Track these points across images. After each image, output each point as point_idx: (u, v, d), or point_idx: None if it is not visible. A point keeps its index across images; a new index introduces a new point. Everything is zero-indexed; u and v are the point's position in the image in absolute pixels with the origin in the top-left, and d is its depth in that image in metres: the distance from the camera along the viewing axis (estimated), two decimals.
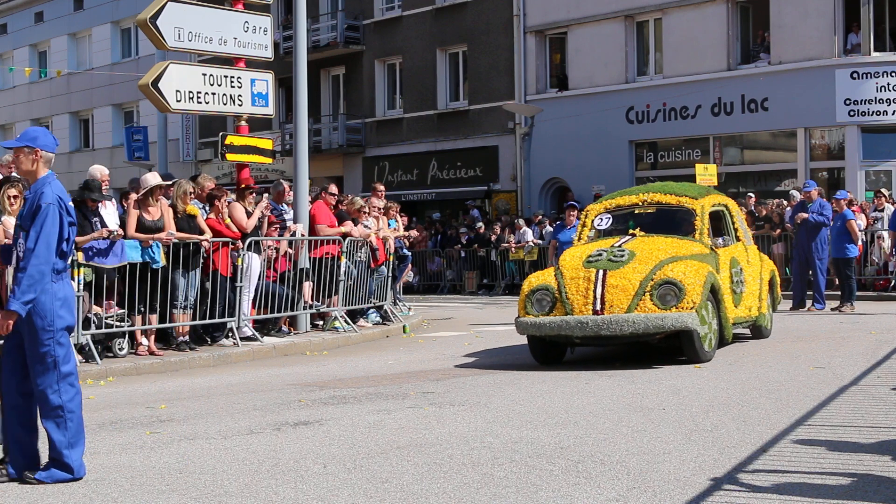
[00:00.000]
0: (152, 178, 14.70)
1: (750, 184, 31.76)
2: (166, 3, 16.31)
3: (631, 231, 14.05)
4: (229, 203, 15.93)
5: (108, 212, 14.65)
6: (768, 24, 31.33)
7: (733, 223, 14.85)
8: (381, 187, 21.53)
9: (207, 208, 15.72)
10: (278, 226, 17.55)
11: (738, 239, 14.81)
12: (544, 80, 36.34)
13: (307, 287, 17.14)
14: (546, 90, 36.13)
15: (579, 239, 14.56)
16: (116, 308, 14.24)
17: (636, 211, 14.53)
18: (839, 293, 20.80)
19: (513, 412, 9.68)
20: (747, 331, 15.46)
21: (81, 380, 12.68)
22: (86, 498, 6.73)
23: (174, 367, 14.08)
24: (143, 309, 14.39)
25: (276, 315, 16.64)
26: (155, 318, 14.57)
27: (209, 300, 15.23)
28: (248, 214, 16.04)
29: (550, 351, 13.37)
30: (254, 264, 15.91)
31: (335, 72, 42.69)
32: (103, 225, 13.96)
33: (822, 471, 6.91)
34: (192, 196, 15.33)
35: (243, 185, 17.00)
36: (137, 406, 10.67)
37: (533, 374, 12.30)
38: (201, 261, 15.04)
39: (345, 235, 17.96)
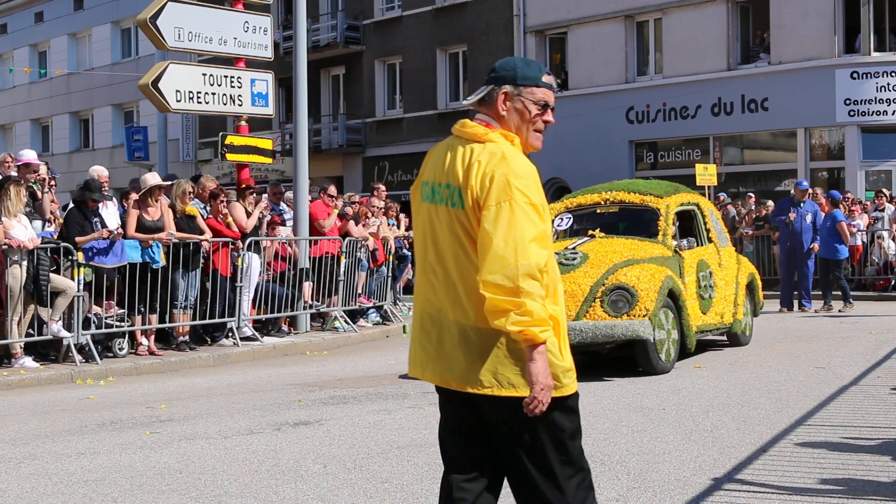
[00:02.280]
0: (151, 178, 14.71)
1: (750, 184, 31.76)
2: (166, 3, 16.31)
3: (590, 232, 13.29)
4: (229, 203, 15.92)
5: (109, 212, 14.67)
6: (768, 24, 31.33)
7: (705, 224, 13.97)
8: (382, 187, 21.53)
9: (208, 208, 15.72)
10: (280, 226, 17.55)
11: (709, 240, 13.92)
12: None
13: (307, 287, 17.14)
14: None
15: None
16: (116, 308, 14.24)
17: (598, 210, 13.77)
18: (822, 294, 20.72)
19: None
20: (724, 337, 14.69)
21: (81, 379, 12.75)
22: (86, 498, 6.73)
23: (174, 367, 14.07)
24: (143, 309, 14.39)
25: (276, 315, 16.64)
26: (155, 318, 14.57)
27: (209, 300, 15.22)
28: (248, 214, 16.03)
29: None
30: (254, 264, 15.91)
31: (335, 72, 42.68)
32: (103, 225, 13.97)
33: (822, 471, 6.91)
34: (192, 196, 15.33)
35: (243, 186, 17.00)
36: (137, 406, 10.67)
37: None
38: (201, 261, 15.04)
39: (345, 235, 17.96)
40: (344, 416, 9.69)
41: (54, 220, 14.87)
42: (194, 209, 15.19)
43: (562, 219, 13.82)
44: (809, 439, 8.00)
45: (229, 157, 17.81)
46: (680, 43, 32.74)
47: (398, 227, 21.44)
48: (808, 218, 20.35)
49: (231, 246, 15.50)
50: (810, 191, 21.18)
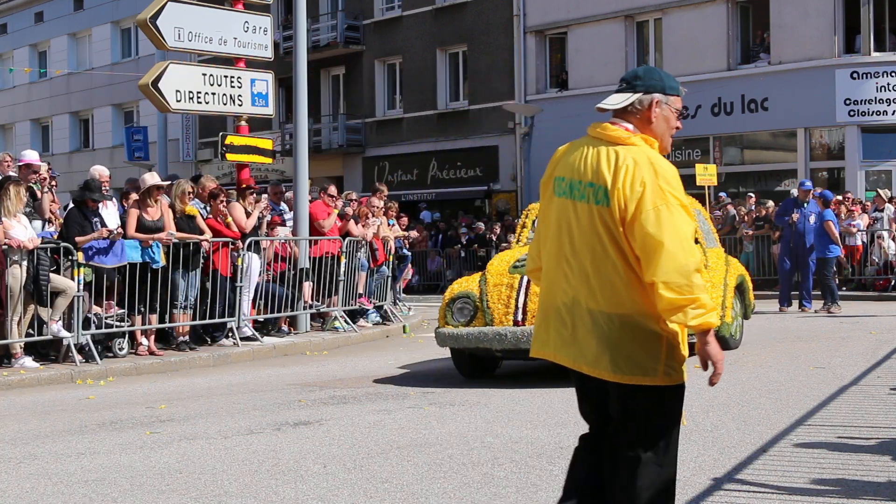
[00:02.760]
0: (150, 178, 14.72)
1: (750, 184, 31.78)
2: (166, 3, 16.32)
3: None
4: (229, 203, 15.92)
5: (109, 212, 14.68)
6: (768, 24, 31.34)
7: None
8: (384, 188, 21.52)
9: (208, 208, 15.72)
10: (279, 226, 17.55)
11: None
12: (544, 80, 36.36)
13: (307, 287, 17.14)
14: (546, 90, 36.15)
15: (517, 241, 13.58)
16: (116, 308, 14.25)
17: None
18: (821, 294, 20.71)
19: (513, 412, 9.68)
20: None
21: (81, 379, 12.76)
22: (86, 498, 6.73)
23: (174, 367, 14.08)
24: (143, 309, 14.39)
25: (276, 315, 16.65)
26: (155, 318, 14.58)
27: (209, 300, 15.23)
28: (248, 214, 16.03)
29: (477, 364, 12.23)
30: (254, 264, 15.91)
31: (335, 72, 42.69)
32: (103, 225, 13.98)
33: (822, 471, 6.91)
34: (192, 196, 15.33)
35: (243, 186, 17.00)
36: (137, 406, 10.67)
37: (533, 374, 12.29)
38: (201, 261, 15.04)
39: (345, 235, 17.96)
40: (344, 416, 9.69)
41: (55, 220, 14.87)
42: (194, 209, 15.19)
43: (535, 221, 13.66)
44: (809, 439, 8.00)
45: (229, 157, 17.82)
46: (680, 43, 32.76)
47: (396, 228, 21.44)
48: (812, 219, 20.33)
49: (231, 246, 15.51)
50: (813, 191, 21.06)
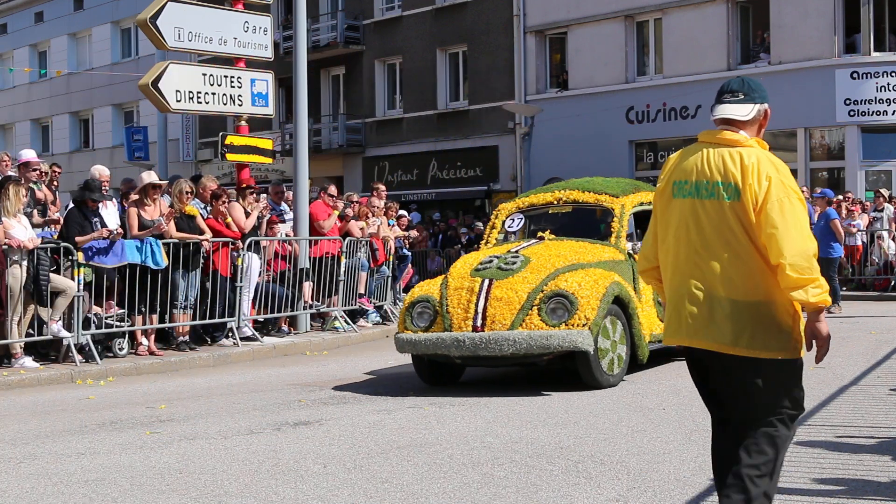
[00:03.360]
0: (146, 177, 14.75)
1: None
2: (166, 3, 16.30)
3: (539, 234, 12.47)
4: (229, 203, 15.92)
5: (109, 212, 14.68)
6: (768, 24, 31.34)
7: None
8: (383, 187, 21.52)
9: (208, 208, 15.72)
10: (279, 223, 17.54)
11: None
12: (544, 80, 36.35)
13: (307, 287, 17.14)
14: (546, 90, 36.14)
15: (486, 242, 13.03)
16: (116, 308, 14.24)
17: (550, 211, 12.96)
18: None
19: (513, 412, 9.68)
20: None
21: (81, 379, 12.76)
22: (85, 498, 6.73)
23: (174, 367, 14.07)
24: (143, 309, 14.39)
25: (276, 315, 16.64)
26: (155, 318, 14.57)
27: (209, 300, 15.23)
28: (247, 214, 16.03)
29: (438, 370, 11.72)
30: (254, 264, 15.91)
31: (335, 72, 42.69)
32: (103, 225, 13.98)
33: (822, 471, 6.91)
34: (191, 196, 15.30)
35: (243, 185, 16.99)
36: (137, 406, 10.67)
37: (533, 374, 12.29)
38: (201, 261, 15.04)
39: (345, 235, 17.96)
40: (344, 416, 9.69)
41: (54, 220, 14.87)
42: (194, 209, 15.19)
43: (513, 220, 13.08)
44: (809, 439, 8.00)
45: (229, 157, 17.81)
46: (680, 43, 32.75)
47: (398, 228, 21.43)
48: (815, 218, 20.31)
49: (231, 246, 15.50)
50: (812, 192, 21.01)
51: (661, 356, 12.58)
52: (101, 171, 15.54)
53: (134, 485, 7.07)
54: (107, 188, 15.24)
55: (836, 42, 29.82)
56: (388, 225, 20.35)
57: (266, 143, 18.60)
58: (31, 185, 14.47)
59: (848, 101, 29.61)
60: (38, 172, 14.70)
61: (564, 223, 12.81)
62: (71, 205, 14.65)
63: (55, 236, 14.11)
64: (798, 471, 6.97)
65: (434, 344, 10.99)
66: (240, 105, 17.58)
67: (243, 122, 17.98)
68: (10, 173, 14.36)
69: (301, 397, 11.00)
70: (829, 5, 29.82)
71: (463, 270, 11.50)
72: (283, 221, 17.84)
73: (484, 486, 6.79)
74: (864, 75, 29.48)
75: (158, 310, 14.53)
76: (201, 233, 14.99)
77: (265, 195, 18.34)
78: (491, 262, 11.38)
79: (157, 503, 6.61)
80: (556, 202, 12.90)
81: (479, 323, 10.86)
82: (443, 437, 8.51)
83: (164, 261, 14.37)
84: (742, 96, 5.09)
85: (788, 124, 30.82)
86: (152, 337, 14.68)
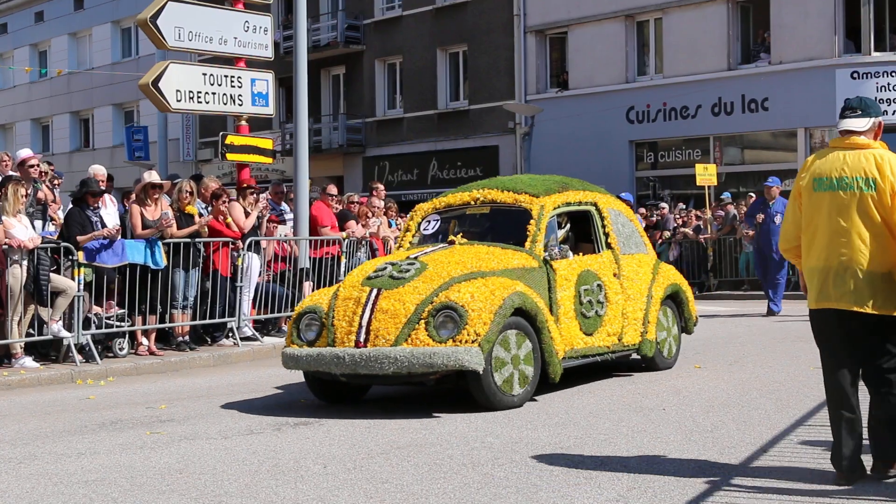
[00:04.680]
0: (147, 177, 14.77)
1: (750, 184, 31.72)
2: (166, 3, 16.30)
3: (451, 237, 11.43)
4: (228, 202, 15.91)
5: (108, 211, 14.67)
6: (769, 23, 31.34)
7: (603, 227, 11.85)
8: (382, 187, 21.51)
9: (209, 208, 15.72)
10: (278, 225, 17.54)
11: (608, 247, 11.79)
12: (544, 80, 36.36)
13: (307, 287, 17.13)
14: (546, 90, 36.15)
15: (399, 247, 12.01)
16: (117, 308, 14.25)
17: (468, 212, 11.80)
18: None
19: (513, 412, 9.68)
20: (639, 358, 12.40)
21: (82, 379, 12.76)
22: (86, 498, 6.73)
23: (174, 367, 14.07)
24: (143, 309, 14.39)
25: (276, 315, 16.64)
26: (155, 318, 14.58)
27: (209, 300, 15.23)
28: (247, 214, 16.02)
29: (330, 388, 10.64)
30: (254, 264, 15.91)
31: (335, 71, 42.70)
32: (103, 225, 13.98)
33: (823, 471, 6.91)
34: (192, 197, 15.29)
35: (244, 185, 16.98)
36: (137, 406, 10.67)
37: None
38: (201, 261, 15.04)
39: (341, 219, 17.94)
40: (344, 417, 9.69)
41: (56, 221, 14.87)
42: (194, 208, 15.19)
43: (429, 221, 11.96)
44: (810, 439, 8.01)
45: (229, 156, 17.80)
46: (680, 43, 32.76)
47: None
48: (778, 219, 19.43)
49: (231, 246, 15.50)
50: (776, 189, 20.29)
51: (593, 371, 11.90)
52: (98, 170, 15.53)
53: (134, 485, 7.07)
54: (104, 188, 15.22)
55: (836, 42, 29.83)
56: (389, 225, 20.35)
57: (266, 143, 18.59)
58: (34, 184, 14.45)
59: None
60: (35, 169, 14.64)
61: (483, 225, 11.81)
62: (70, 204, 14.65)
63: (56, 236, 14.10)
64: (798, 471, 6.97)
65: (315, 360, 10.02)
66: (240, 105, 17.58)
67: (243, 122, 17.97)
68: (10, 173, 14.36)
69: (301, 397, 11.00)
70: (829, 5, 29.82)
71: (356, 278, 10.49)
72: (284, 222, 17.83)
73: (484, 486, 6.79)
74: (865, 75, 29.47)
75: (158, 310, 14.54)
76: (198, 232, 14.95)
77: (265, 195, 18.32)
78: (385, 269, 10.35)
79: (157, 503, 6.60)
80: (473, 202, 11.72)
81: (362, 338, 9.84)
82: (443, 437, 8.51)
83: (163, 261, 14.37)
84: (860, 112, 6.65)
85: (788, 124, 30.86)
86: (152, 337, 14.68)
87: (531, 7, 36.04)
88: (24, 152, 14.91)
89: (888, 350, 6.56)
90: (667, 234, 27.55)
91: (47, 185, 15.17)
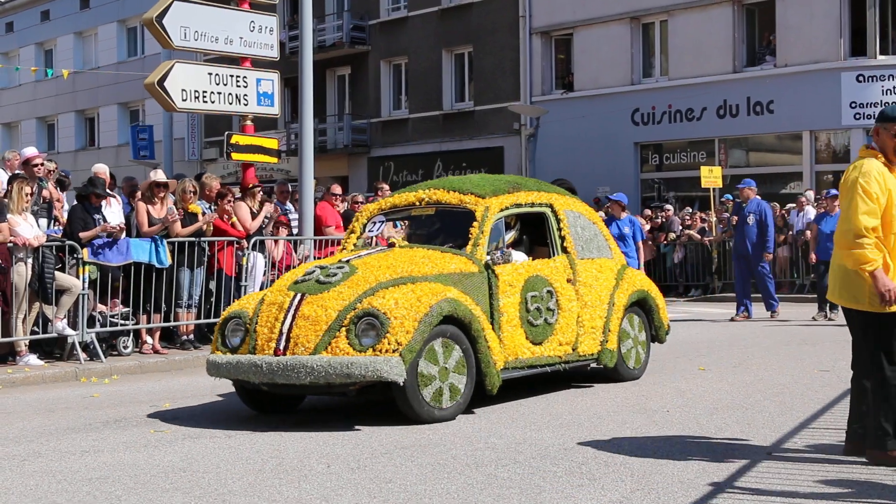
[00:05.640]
0: (153, 175, 14.82)
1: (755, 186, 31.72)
2: (172, 3, 16.30)
3: (391, 239, 11.24)
4: (234, 201, 15.93)
5: (112, 210, 14.68)
6: (774, 26, 31.33)
7: (559, 230, 11.17)
8: (386, 186, 21.51)
9: (213, 208, 15.73)
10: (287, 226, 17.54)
11: (564, 251, 11.10)
12: (550, 82, 36.38)
13: None
14: (551, 91, 36.17)
15: (342, 249, 11.40)
16: (121, 306, 14.26)
17: (413, 213, 11.31)
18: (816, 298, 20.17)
19: (517, 413, 9.67)
20: (599, 368, 11.71)
21: (86, 377, 12.77)
22: (89, 496, 6.74)
23: (178, 366, 14.08)
24: (147, 307, 14.41)
25: None
26: (159, 316, 14.59)
27: (213, 299, 15.24)
28: (254, 214, 16.02)
29: (262, 396, 10.07)
30: (258, 264, 15.91)
31: (341, 72, 42.74)
32: (106, 222, 14.00)
33: (827, 474, 6.90)
34: (195, 196, 15.30)
35: (251, 185, 16.98)
36: (141, 404, 10.68)
37: (538, 376, 12.27)
38: (206, 260, 15.06)
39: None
40: (348, 416, 9.69)
41: (60, 219, 14.89)
42: (197, 207, 15.21)
43: (374, 223, 11.45)
44: (814, 442, 8.00)
45: (235, 156, 17.80)
46: (686, 45, 32.76)
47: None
48: (751, 219, 19.51)
49: (236, 245, 15.51)
50: (749, 191, 19.73)
51: (597, 374, 11.68)
52: (101, 169, 15.55)
53: (138, 483, 7.07)
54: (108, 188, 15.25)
55: (841, 44, 29.82)
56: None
57: (271, 143, 18.60)
58: (38, 182, 14.47)
59: (854, 104, 29.59)
60: (40, 168, 14.65)
61: (431, 227, 11.39)
62: (74, 201, 14.68)
63: (60, 234, 14.12)
64: (802, 473, 6.96)
65: (235, 368, 9.50)
66: (245, 104, 17.58)
67: (249, 122, 17.98)
68: (18, 172, 14.38)
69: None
70: (835, 7, 29.82)
71: (284, 282, 10.01)
72: (289, 222, 17.82)
73: (487, 486, 6.79)
74: (870, 78, 29.48)
75: (163, 308, 14.55)
76: (201, 230, 14.98)
77: (273, 195, 18.31)
78: (313, 273, 9.83)
79: (161, 502, 6.61)
80: (418, 203, 11.08)
81: (282, 345, 9.30)
82: (447, 437, 8.51)
83: (168, 259, 14.39)
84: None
85: (794, 127, 30.86)
86: (157, 335, 14.71)
87: (537, 8, 36.06)
88: (29, 151, 14.94)
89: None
90: (672, 235, 27.55)
91: (53, 184, 15.18)
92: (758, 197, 20.10)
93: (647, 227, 27.68)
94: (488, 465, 7.38)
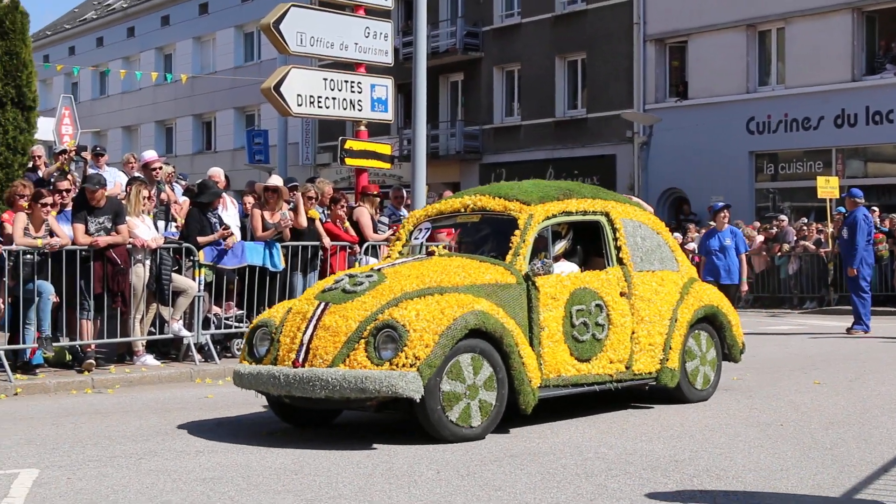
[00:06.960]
0: (270, 180, 15.04)
1: (873, 197, 31.07)
2: (289, 9, 16.51)
3: (431, 248, 10.90)
4: (355, 208, 16.05)
5: (229, 213, 14.91)
6: (895, 34, 30.70)
7: (615, 240, 10.50)
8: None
9: (327, 212, 15.88)
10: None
11: (619, 262, 10.42)
12: (663, 89, 36.08)
13: None
14: (665, 99, 35.86)
15: (387, 256, 10.87)
16: (235, 309, 14.46)
17: (458, 220, 10.82)
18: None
19: (627, 423, 9.61)
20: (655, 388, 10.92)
21: (200, 378, 12.98)
22: (203, 495, 6.84)
23: None
24: (261, 310, 14.58)
25: None
26: None
27: None
28: (374, 224, 16.16)
29: (292, 410, 9.63)
30: None
31: (454, 78, 42.86)
32: (222, 224, 14.22)
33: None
34: (315, 201, 15.46)
35: (370, 192, 17.11)
36: (254, 406, 10.80)
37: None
38: (319, 263, 15.20)
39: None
40: None
41: (178, 221, 15.16)
42: (315, 212, 15.37)
43: (420, 230, 10.88)
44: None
45: (348, 161, 17.96)
46: (803, 53, 32.24)
47: None
48: (845, 232, 18.92)
49: (349, 250, 15.64)
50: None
51: (581, 404, 10.36)
52: (214, 172, 15.82)
53: (250, 484, 7.17)
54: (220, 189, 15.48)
55: None
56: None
57: (385, 149, 18.70)
58: (157, 185, 14.75)
59: None
60: (157, 172, 14.94)
61: (477, 235, 11.00)
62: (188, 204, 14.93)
63: (177, 237, 14.38)
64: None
65: (255, 379, 9.16)
66: (359, 110, 17.71)
67: (362, 127, 18.12)
68: (136, 174, 14.68)
69: None
70: None
71: (314, 290, 9.71)
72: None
73: (597, 497, 6.75)
74: None
75: None
76: (319, 236, 15.13)
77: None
78: (341, 281, 9.46)
79: (273, 503, 6.69)
80: (463, 209, 10.55)
81: (301, 356, 8.90)
82: (556, 446, 8.48)
83: (282, 263, 14.57)
84: None
85: None
86: None
87: (651, 15, 35.79)
88: (149, 154, 15.25)
89: None
90: (786, 247, 27.13)
91: (169, 187, 15.47)
92: (863, 207, 19.41)
93: (761, 238, 27.32)
94: (598, 476, 7.34)
